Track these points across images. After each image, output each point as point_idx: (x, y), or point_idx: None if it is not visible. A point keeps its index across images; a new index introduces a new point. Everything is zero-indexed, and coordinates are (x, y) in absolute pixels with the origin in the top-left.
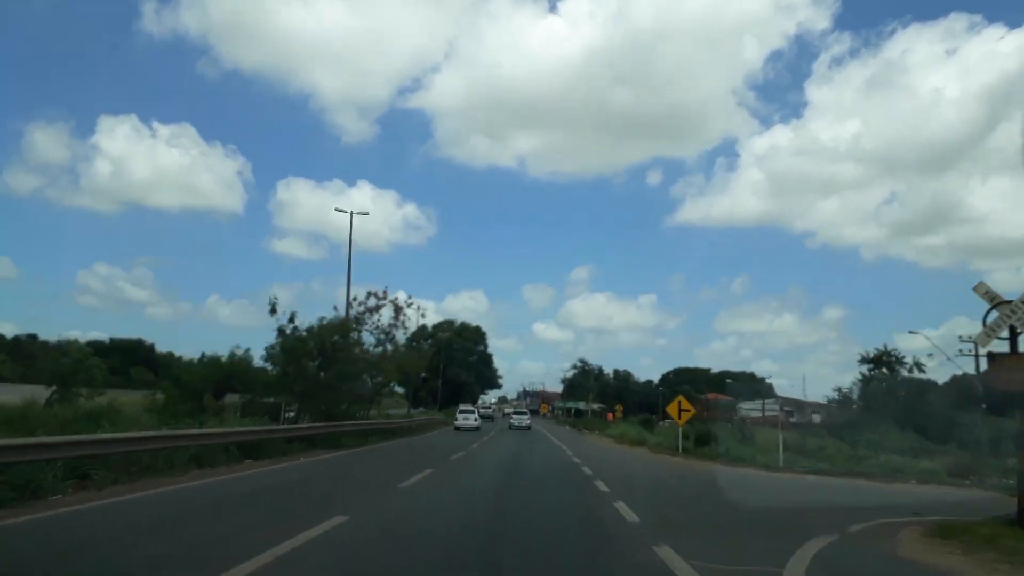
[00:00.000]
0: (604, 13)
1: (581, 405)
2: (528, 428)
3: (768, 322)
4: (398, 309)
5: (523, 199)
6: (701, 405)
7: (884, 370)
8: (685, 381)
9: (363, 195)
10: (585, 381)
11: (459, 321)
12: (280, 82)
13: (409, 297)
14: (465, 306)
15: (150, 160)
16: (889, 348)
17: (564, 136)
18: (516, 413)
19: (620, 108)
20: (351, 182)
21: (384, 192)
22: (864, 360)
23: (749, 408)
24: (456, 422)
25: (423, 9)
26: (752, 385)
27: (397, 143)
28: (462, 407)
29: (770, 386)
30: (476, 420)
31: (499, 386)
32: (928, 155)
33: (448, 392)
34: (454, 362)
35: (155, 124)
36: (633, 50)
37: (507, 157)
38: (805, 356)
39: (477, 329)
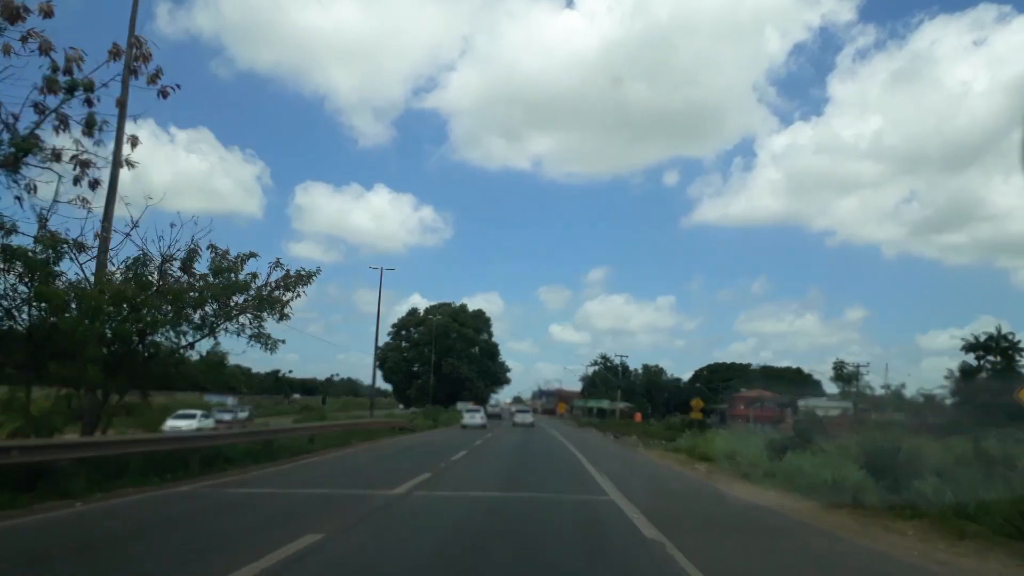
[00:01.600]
0: (621, 8)
1: (605, 404)
2: (531, 425)
3: (788, 323)
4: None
5: (539, 200)
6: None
7: (997, 358)
8: (722, 378)
9: (380, 199)
10: (609, 377)
11: (457, 303)
12: (295, 83)
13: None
14: (481, 308)
15: (171, 165)
16: (1003, 332)
17: (581, 136)
18: (519, 411)
19: (638, 106)
20: (368, 186)
21: (401, 196)
22: (971, 347)
23: (812, 405)
24: (463, 420)
25: (438, 7)
26: (795, 381)
27: (413, 145)
28: (469, 406)
29: (818, 383)
30: (483, 418)
31: (507, 381)
32: (953, 150)
33: (446, 389)
34: (451, 352)
35: (172, 129)
36: (651, 46)
37: (523, 158)
38: (826, 357)
39: (479, 314)
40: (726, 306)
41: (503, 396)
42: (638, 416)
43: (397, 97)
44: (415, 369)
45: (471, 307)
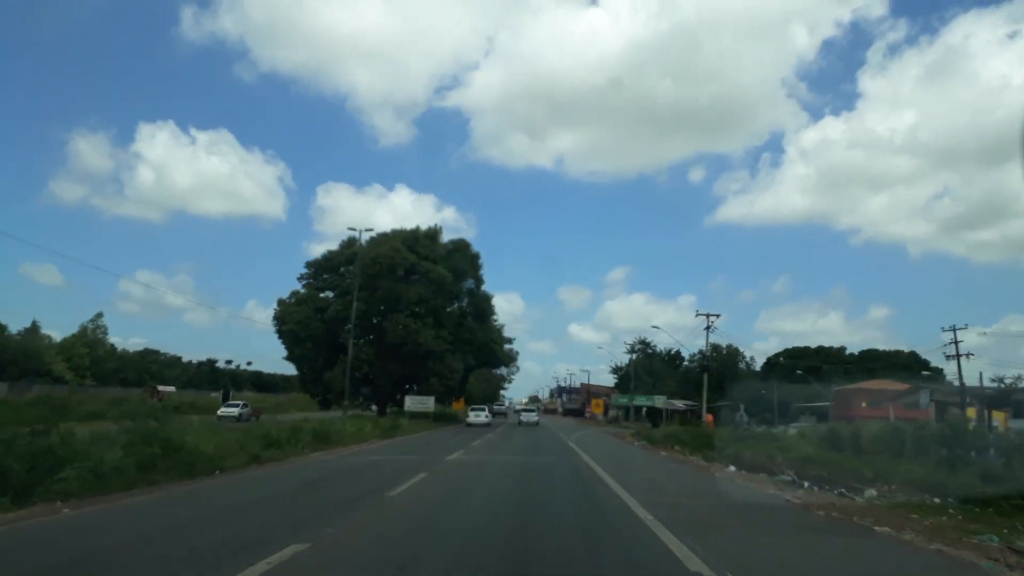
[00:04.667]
0: (647, 5)
1: (658, 402)
2: (536, 423)
3: (811, 322)
4: None
5: (561, 200)
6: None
7: None
8: (807, 366)
9: (402, 200)
10: (655, 366)
11: (425, 227)
12: (317, 84)
13: None
14: (500, 308)
15: (191, 167)
16: None
17: (604, 134)
18: (525, 411)
19: (663, 103)
20: (390, 186)
21: (423, 196)
22: None
23: None
24: (468, 419)
25: (463, 6)
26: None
27: (435, 145)
28: (473, 406)
29: (940, 370)
30: (487, 417)
31: (507, 361)
32: (985, 146)
33: (391, 371)
34: (401, 305)
35: (193, 131)
36: (677, 43)
37: (546, 157)
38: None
39: (460, 248)
40: (748, 305)
41: (513, 394)
42: (710, 418)
43: (419, 96)
44: (342, 341)
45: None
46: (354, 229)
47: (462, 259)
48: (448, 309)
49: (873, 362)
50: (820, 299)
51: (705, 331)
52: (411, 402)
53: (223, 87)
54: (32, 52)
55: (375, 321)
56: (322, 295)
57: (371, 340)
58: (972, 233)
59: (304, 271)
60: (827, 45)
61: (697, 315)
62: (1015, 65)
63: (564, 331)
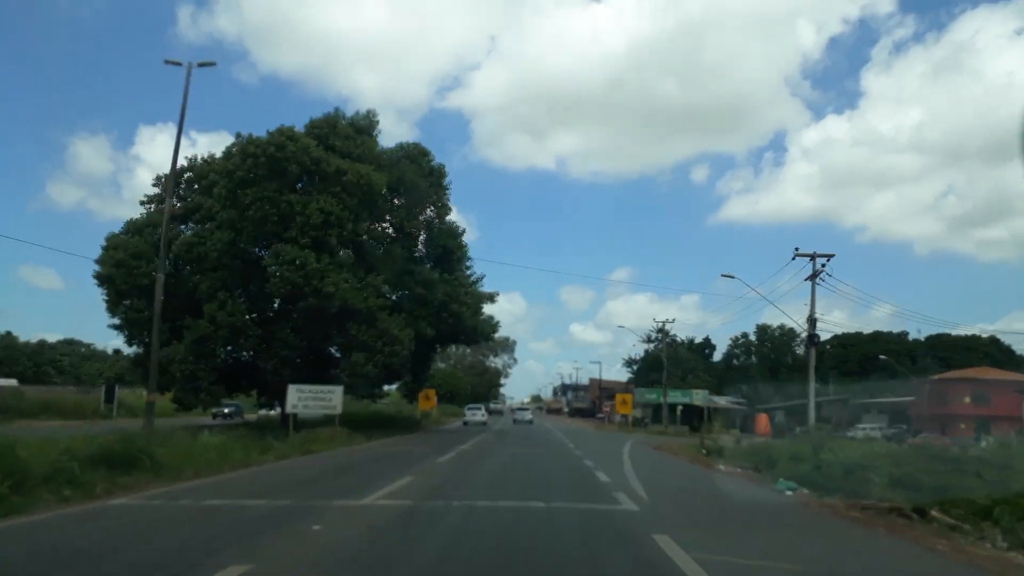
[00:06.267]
0: (652, 2)
1: (696, 399)
2: (531, 422)
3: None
4: None
5: (563, 200)
6: None
7: None
8: (866, 354)
9: None
10: (685, 356)
11: (348, 116)
12: (317, 85)
13: None
14: (502, 309)
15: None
16: None
17: (607, 133)
18: (519, 409)
19: (666, 103)
20: None
21: None
22: None
23: None
24: (465, 417)
25: (465, 5)
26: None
27: (437, 146)
28: (469, 405)
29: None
30: (484, 415)
31: (490, 333)
32: (992, 143)
33: (282, 345)
34: (291, 231)
35: (193, 134)
36: (682, 41)
37: (548, 157)
38: None
39: (415, 159)
40: (753, 304)
41: (518, 393)
42: (763, 420)
43: (421, 97)
44: (199, 296)
45: (492, 309)
46: (176, 62)
47: (415, 173)
48: (413, 250)
49: (946, 350)
50: (824, 298)
51: (809, 280)
52: (298, 397)
53: (224, 89)
54: (33, 54)
55: (262, 263)
56: (183, 228)
57: (249, 293)
58: (977, 231)
59: (151, 195)
60: (833, 42)
61: (795, 256)
62: (1022, 62)
63: (566, 331)
